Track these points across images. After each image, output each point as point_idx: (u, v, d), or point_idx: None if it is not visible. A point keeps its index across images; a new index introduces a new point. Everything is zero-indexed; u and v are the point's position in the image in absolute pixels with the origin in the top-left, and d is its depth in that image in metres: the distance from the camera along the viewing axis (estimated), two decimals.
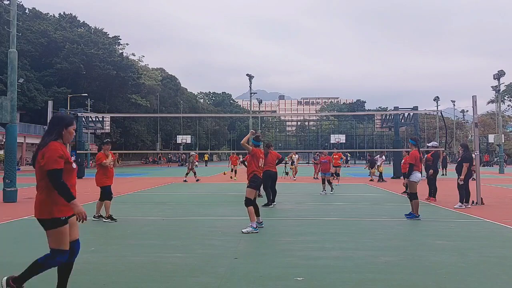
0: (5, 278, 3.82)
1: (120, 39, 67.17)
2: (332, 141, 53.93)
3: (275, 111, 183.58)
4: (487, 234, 7.36)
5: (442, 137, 65.83)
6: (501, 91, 43.31)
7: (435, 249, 6.08)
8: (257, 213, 7.78)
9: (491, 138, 46.63)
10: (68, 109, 34.69)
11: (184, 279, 4.66)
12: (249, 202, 7.50)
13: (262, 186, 12.17)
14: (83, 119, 28.76)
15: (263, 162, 7.95)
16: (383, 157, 23.71)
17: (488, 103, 76.69)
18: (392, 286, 4.39)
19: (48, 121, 3.91)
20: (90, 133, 46.77)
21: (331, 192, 14.89)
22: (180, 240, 6.89)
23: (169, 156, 67.55)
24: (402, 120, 28.02)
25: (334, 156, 18.97)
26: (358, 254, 5.75)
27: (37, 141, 49.48)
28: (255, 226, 7.39)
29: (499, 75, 38.94)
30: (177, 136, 64.91)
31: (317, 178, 23.77)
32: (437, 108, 54.86)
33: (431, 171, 12.77)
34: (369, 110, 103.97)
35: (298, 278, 4.63)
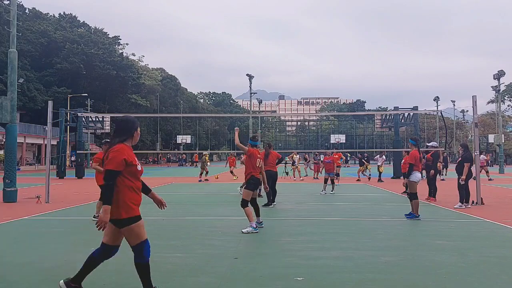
0: (63, 281, 4.05)
1: (120, 39, 67.20)
2: (332, 141, 53.84)
3: (275, 111, 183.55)
4: (487, 234, 7.36)
5: (442, 137, 65.87)
6: (501, 91, 43.32)
7: (435, 249, 6.08)
8: (257, 213, 7.77)
9: (491, 138, 46.60)
10: (68, 109, 34.67)
11: (184, 279, 4.66)
12: (245, 203, 7.45)
13: (263, 186, 12.19)
14: (83, 119, 28.75)
15: (261, 162, 7.90)
16: (383, 156, 23.73)
17: (488, 103, 76.71)
18: (392, 286, 4.39)
19: (117, 123, 3.98)
20: (90, 133, 46.80)
21: (331, 192, 14.89)
22: (180, 240, 6.89)
23: (168, 156, 67.48)
24: (402, 120, 28.02)
25: (334, 156, 18.96)
26: (358, 254, 5.75)
27: (37, 141, 50.03)
28: (255, 226, 7.39)
29: (499, 75, 38.96)
30: (177, 136, 64.86)
31: (317, 178, 23.79)
32: (437, 108, 54.91)
33: (432, 171, 12.76)
34: (369, 110, 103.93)
35: (298, 278, 4.63)
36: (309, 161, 25.83)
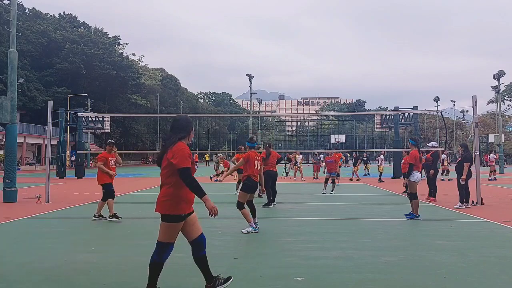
0: None
1: (120, 39, 67.23)
2: (332, 141, 53.93)
3: (275, 111, 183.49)
4: (487, 234, 7.36)
5: (442, 137, 65.86)
6: (501, 91, 43.32)
7: (435, 249, 6.08)
8: (254, 214, 7.65)
9: (491, 138, 46.59)
10: (68, 109, 34.68)
11: (184, 279, 4.66)
12: (241, 205, 7.36)
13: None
14: (83, 119, 28.74)
15: (259, 164, 7.83)
16: (381, 156, 23.77)
17: (488, 103, 76.67)
18: (392, 286, 4.39)
19: (176, 121, 4.01)
20: (90, 133, 46.82)
21: (332, 192, 14.89)
22: (180, 240, 6.87)
23: None
24: (402, 120, 28.02)
25: (335, 156, 18.97)
26: (358, 254, 5.75)
27: (37, 141, 50.00)
28: (254, 226, 7.39)
29: (499, 75, 38.95)
30: None
31: (317, 178, 23.79)
32: (437, 108, 54.88)
33: (431, 171, 12.77)
34: (369, 110, 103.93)
35: (298, 278, 4.63)
36: (293, 161, 25.68)
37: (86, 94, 51.31)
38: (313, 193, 15.34)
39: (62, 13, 65.21)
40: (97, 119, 31.54)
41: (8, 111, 12.57)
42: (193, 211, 3.91)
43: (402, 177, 14.23)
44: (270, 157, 11.65)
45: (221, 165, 21.67)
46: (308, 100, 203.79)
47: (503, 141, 39.52)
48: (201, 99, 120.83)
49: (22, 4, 56.75)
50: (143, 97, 67.06)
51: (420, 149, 10.03)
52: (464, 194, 10.96)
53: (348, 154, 48.92)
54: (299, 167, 24.63)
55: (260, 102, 69.28)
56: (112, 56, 58.39)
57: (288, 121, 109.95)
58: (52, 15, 64.15)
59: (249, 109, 63.11)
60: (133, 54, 75.06)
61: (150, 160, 74.01)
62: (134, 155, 70.28)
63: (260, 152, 12.40)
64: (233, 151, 28.37)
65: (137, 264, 5.23)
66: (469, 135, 79.68)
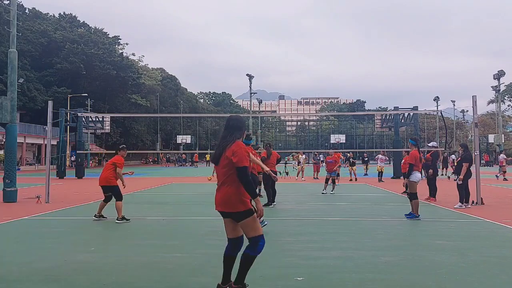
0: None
1: (120, 39, 67.19)
2: (332, 141, 53.83)
3: (275, 111, 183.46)
4: (487, 234, 7.36)
5: (442, 137, 65.83)
6: (501, 91, 43.36)
7: (435, 249, 6.08)
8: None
9: (491, 138, 46.61)
10: (68, 109, 34.68)
11: (184, 279, 4.66)
12: None
13: (263, 186, 12.19)
14: (83, 119, 28.74)
15: (254, 159, 7.77)
16: (380, 156, 23.76)
17: (488, 103, 76.67)
18: (392, 286, 4.39)
19: (232, 121, 4.08)
20: (90, 133, 46.81)
21: (332, 192, 14.89)
22: (180, 240, 6.90)
23: (167, 156, 67.56)
24: (402, 120, 28.01)
25: (336, 156, 18.97)
26: (358, 254, 5.75)
27: (37, 141, 50.02)
28: None
29: (499, 75, 38.99)
30: (177, 136, 64.83)
31: (317, 178, 23.78)
32: (437, 108, 54.90)
33: (430, 171, 12.77)
34: (369, 110, 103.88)
35: (298, 278, 4.63)
36: (296, 161, 25.64)
37: (86, 94, 51.30)
38: (313, 193, 15.33)
39: (62, 13, 65.22)
40: (97, 119, 31.54)
41: (8, 111, 12.57)
42: None
43: (402, 177, 14.24)
44: (271, 157, 11.68)
45: None
46: (308, 100, 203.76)
47: (503, 141, 39.54)
48: (201, 99, 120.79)
49: (22, 4, 56.73)
50: (143, 97, 67.04)
51: (420, 149, 10.03)
52: (463, 194, 10.96)
53: (347, 154, 48.90)
54: (302, 167, 24.63)
55: (260, 102, 69.33)
56: (112, 56, 58.37)
57: (288, 121, 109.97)
58: (52, 15, 64.15)
59: (249, 109, 63.12)
60: (133, 54, 75.07)
61: (150, 160, 74.03)
62: (134, 155, 70.21)
63: (260, 152, 12.44)
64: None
65: (137, 264, 5.24)
66: (469, 135, 79.67)
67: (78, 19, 66.03)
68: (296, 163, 25.27)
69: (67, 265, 5.19)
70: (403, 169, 13.31)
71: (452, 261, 5.38)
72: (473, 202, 11.33)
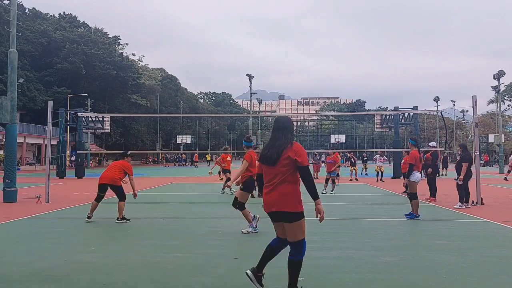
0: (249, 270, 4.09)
1: (120, 39, 67.19)
2: (332, 141, 53.87)
3: (275, 111, 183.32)
4: (487, 234, 7.36)
5: (442, 137, 65.87)
6: (501, 91, 43.32)
7: (435, 249, 6.08)
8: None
9: (491, 138, 46.58)
10: (68, 109, 34.67)
11: (184, 279, 4.66)
12: (241, 206, 7.35)
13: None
14: (83, 119, 28.73)
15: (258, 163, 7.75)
16: (378, 156, 23.78)
17: (488, 103, 76.63)
18: (392, 286, 4.39)
19: (284, 122, 4.20)
20: (90, 133, 46.80)
21: (332, 192, 14.89)
22: (180, 240, 6.89)
23: (167, 156, 67.58)
24: (402, 120, 28.01)
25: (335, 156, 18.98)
26: (358, 254, 5.75)
27: (37, 141, 49.99)
28: (254, 226, 7.38)
29: (499, 75, 38.94)
30: (177, 136, 64.84)
31: (317, 178, 23.77)
32: (437, 108, 54.91)
33: (429, 170, 12.76)
34: (369, 110, 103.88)
35: (300, 279, 4.62)
36: None
37: (86, 94, 51.29)
38: None
39: (62, 13, 65.20)
40: (97, 119, 31.53)
41: (8, 111, 12.57)
42: None
43: (402, 177, 14.24)
44: None
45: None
46: (308, 100, 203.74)
47: (503, 141, 39.50)
48: (201, 99, 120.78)
49: (22, 4, 56.73)
50: (143, 97, 67.02)
51: (420, 149, 10.02)
52: (463, 194, 10.96)
53: (347, 154, 48.86)
54: None
55: (260, 102, 69.32)
56: (112, 56, 58.35)
57: None
58: (52, 15, 64.13)
59: (249, 109, 63.11)
60: (133, 54, 75.12)
61: (150, 160, 74.00)
62: (134, 155, 70.25)
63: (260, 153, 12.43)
64: (233, 151, 28.33)
65: (137, 264, 5.24)
66: (469, 135, 79.67)
67: (78, 19, 66.03)
68: None
69: (67, 265, 5.19)
70: (403, 169, 13.32)
71: (452, 261, 5.38)
72: (473, 202, 11.33)
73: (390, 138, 59.68)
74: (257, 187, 13.95)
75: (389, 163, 40.62)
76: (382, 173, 21.72)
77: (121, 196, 8.61)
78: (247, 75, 45.50)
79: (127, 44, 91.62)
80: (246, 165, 7.59)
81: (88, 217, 8.61)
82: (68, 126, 31.56)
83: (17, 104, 14.67)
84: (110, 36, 65.28)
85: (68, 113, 28.75)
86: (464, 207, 10.76)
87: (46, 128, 15.67)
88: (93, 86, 58.23)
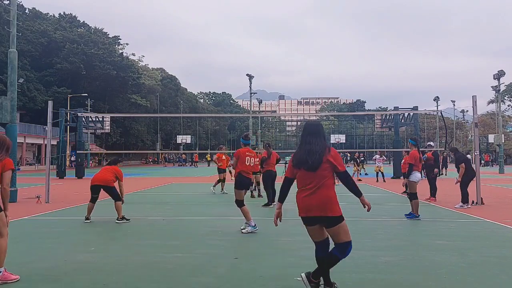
0: (304, 274, 4.13)
1: (120, 39, 67.29)
2: (332, 141, 53.87)
3: (275, 111, 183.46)
4: (487, 234, 7.36)
5: (442, 137, 65.87)
6: (501, 91, 43.32)
7: (435, 249, 6.08)
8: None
9: (491, 138, 46.59)
10: (68, 109, 34.68)
11: (184, 279, 4.66)
12: (240, 203, 7.40)
13: (263, 186, 12.19)
14: (83, 119, 28.74)
15: (253, 160, 7.77)
16: (377, 156, 23.77)
17: (488, 103, 76.64)
18: (392, 286, 4.39)
19: (315, 126, 4.26)
20: (90, 133, 46.82)
21: None
22: (180, 240, 6.89)
23: (166, 156, 67.58)
24: (402, 120, 28.01)
25: None
26: (358, 254, 5.75)
27: (37, 141, 50.10)
28: (253, 225, 7.39)
29: (499, 75, 38.94)
30: (177, 136, 64.86)
31: None
32: (437, 108, 54.93)
33: (435, 170, 12.75)
34: (369, 110, 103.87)
35: (298, 278, 4.62)
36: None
37: (86, 94, 51.31)
38: None
39: (62, 13, 65.25)
40: (97, 119, 31.54)
41: (8, 111, 12.58)
42: None
43: (402, 177, 14.23)
44: (271, 156, 11.69)
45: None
46: (308, 100, 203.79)
47: (503, 141, 39.49)
48: (201, 99, 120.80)
49: (22, 4, 56.76)
50: (143, 97, 67.06)
51: (420, 149, 10.03)
52: (467, 194, 10.96)
53: (348, 154, 48.89)
54: None
55: (260, 102, 69.31)
56: (112, 56, 58.38)
57: (288, 121, 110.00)
58: (52, 15, 64.18)
59: (249, 109, 63.12)
60: (133, 54, 75.23)
61: (150, 160, 74.01)
62: (134, 155, 70.25)
63: (261, 153, 12.44)
64: (233, 151, 28.29)
65: (137, 264, 5.24)
66: (469, 135, 79.67)
67: (78, 19, 66.08)
68: None
69: (67, 265, 5.19)
70: (403, 169, 13.30)
71: (452, 261, 5.38)
72: (473, 202, 11.33)
73: (390, 138, 59.68)
74: (256, 187, 13.97)
75: (389, 163, 40.62)
76: (382, 173, 21.71)
77: (116, 196, 8.63)
78: (247, 75, 45.54)
79: (127, 44, 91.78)
80: (236, 161, 7.58)
81: (86, 219, 8.61)
82: (68, 126, 31.56)
83: (17, 104, 14.67)
84: (110, 36, 65.34)
85: (68, 113, 28.75)
86: (465, 207, 10.76)
87: (46, 128, 15.68)
88: (93, 86, 58.25)
